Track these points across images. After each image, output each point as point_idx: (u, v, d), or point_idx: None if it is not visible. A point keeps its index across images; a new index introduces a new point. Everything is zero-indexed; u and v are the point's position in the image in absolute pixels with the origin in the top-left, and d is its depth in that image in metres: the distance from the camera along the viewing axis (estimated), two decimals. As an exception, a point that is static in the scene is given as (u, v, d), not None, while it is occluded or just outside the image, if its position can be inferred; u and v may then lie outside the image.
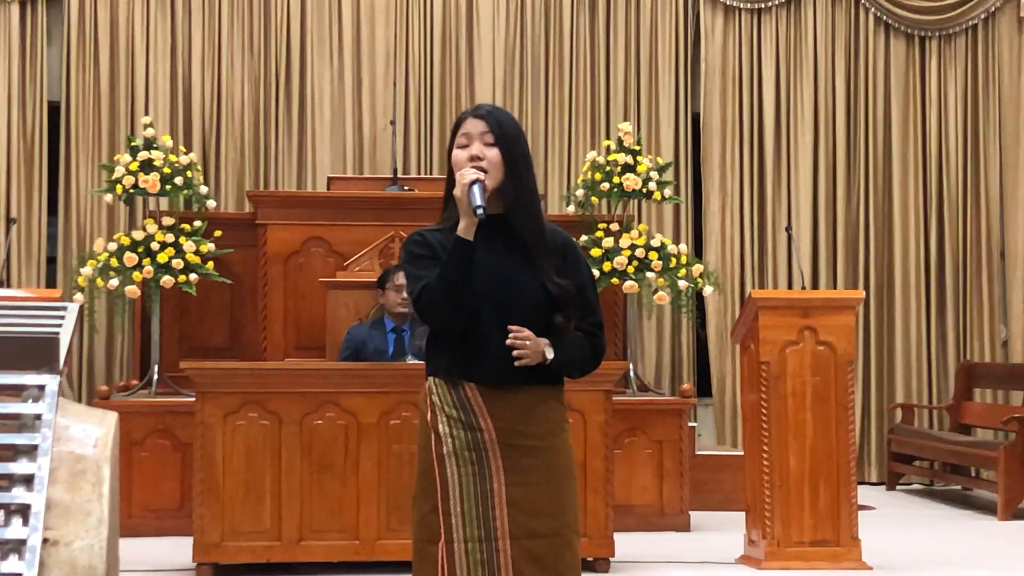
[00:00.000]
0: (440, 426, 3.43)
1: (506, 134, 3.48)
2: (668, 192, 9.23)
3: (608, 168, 9.03)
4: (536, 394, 3.46)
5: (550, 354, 3.41)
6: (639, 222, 9.81)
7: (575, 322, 3.50)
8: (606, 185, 8.96)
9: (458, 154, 3.49)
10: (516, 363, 3.37)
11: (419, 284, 3.41)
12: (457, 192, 3.39)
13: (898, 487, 10.50)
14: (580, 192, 9.16)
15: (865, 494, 9.18)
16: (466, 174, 3.39)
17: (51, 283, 10.21)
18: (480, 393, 3.42)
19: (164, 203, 9.19)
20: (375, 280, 7.89)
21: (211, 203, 8.95)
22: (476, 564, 3.37)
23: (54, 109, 10.42)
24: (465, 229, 3.36)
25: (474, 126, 3.49)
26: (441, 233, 3.50)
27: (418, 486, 3.49)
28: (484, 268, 3.39)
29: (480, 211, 3.32)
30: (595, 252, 8.78)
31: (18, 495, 2.64)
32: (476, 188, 3.35)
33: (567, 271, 3.51)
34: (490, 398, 3.42)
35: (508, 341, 3.36)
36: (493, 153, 3.45)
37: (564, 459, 3.49)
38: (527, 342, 3.37)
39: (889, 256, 11.00)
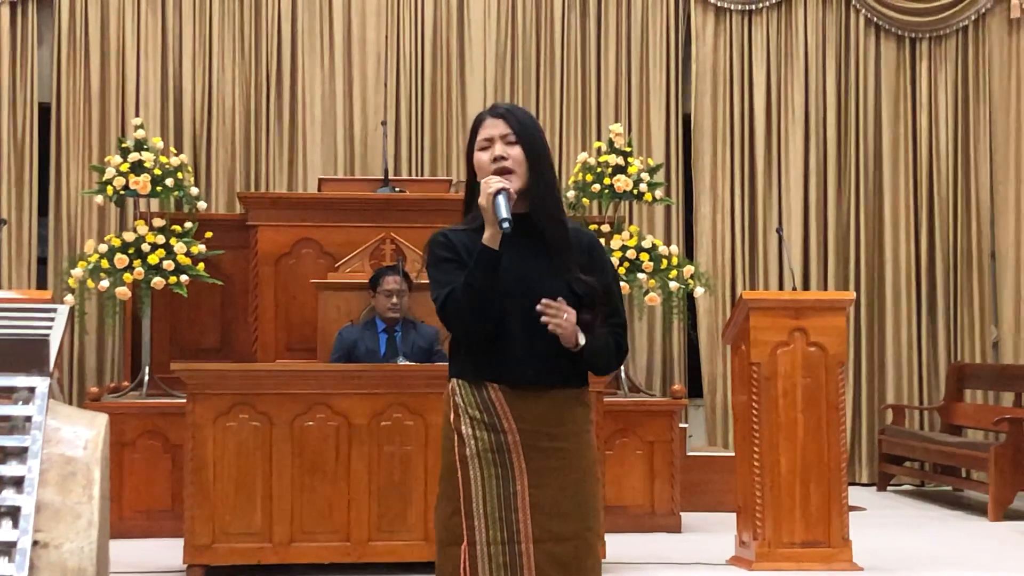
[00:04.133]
0: (463, 427, 3.42)
1: (527, 131, 3.46)
2: (659, 193, 9.23)
3: (599, 169, 9.03)
4: (560, 396, 3.43)
5: (582, 339, 3.38)
6: (630, 223, 9.83)
7: (600, 321, 3.46)
8: (597, 186, 8.96)
9: (480, 156, 3.46)
10: (550, 329, 3.32)
11: (444, 291, 3.38)
12: (482, 201, 3.34)
13: (889, 488, 10.51)
14: (571, 193, 9.16)
15: (856, 495, 9.19)
16: (491, 183, 3.34)
17: (42, 284, 10.20)
18: (504, 395, 3.39)
19: (155, 204, 9.17)
20: (366, 281, 7.88)
21: (202, 204, 8.94)
22: (499, 567, 3.35)
23: (44, 110, 10.41)
24: (491, 238, 3.33)
25: (494, 127, 3.46)
26: (466, 234, 3.46)
27: (440, 488, 3.48)
28: (509, 270, 3.35)
29: (506, 225, 3.27)
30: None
31: (8, 497, 2.64)
32: (502, 198, 3.31)
33: (592, 270, 3.48)
34: (514, 400, 3.39)
35: (538, 308, 3.32)
36: (516, 152, 3.43)
37: (587, 461, 3.47)
38: (563, 313, 3.33)
39: (880, 257, 11.02)
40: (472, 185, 3.51)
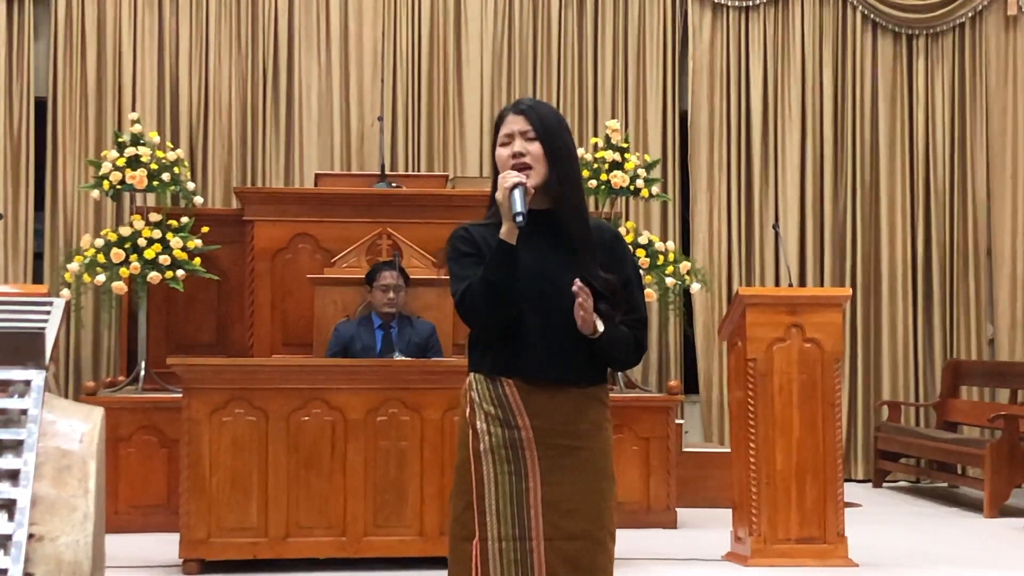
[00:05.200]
0: (478, 422, 3.41)
1: (547, 128, 3.45)
2: (656, 190, 9.23)
3: (596, 165, 9.03)
4: (576, 393, 3.43)
5: (600, 326, 3.37)
6: (627, 219, 9.82)
7: (619, 316, 3.45)
8: (594, 182, 8.96)
9: (501, 152, 3.47)
10: (576, 307, 3.30)
11: (462, 285, 3.38)
12: (499, 196, 3.35)
13: (884, 484, 10.52)
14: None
15: (851, 491, 9.20)
16: (507, 177, 3.34)
17: (38, 279, 10.18)
18: (519, 391, 3.39)
19: (151, 199, 9.17)
20: (363, 277, 7.88)
21: (198, 199, 8.94)
22: (510, 563, 3.35)
23: (41, 105, 10.40)
24: (507, 232, 3.32)
25: (515, 123, 3.46)
26: (487, 229, 3.46)
27: (455, 482, 3.48)
28: (528, 265, 3.36)
29: (520, 218, 3.27)
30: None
31: (3, 490, 2.63)
32: (517, 193, 3.31)
33: (613, 266, 3.47)
34: (529, 396, 3.39)
35: (574, 289, 3.29)
36: (535, 148, 3.43)
37: (602, 460, 3.45)
38: (589, 300, 3.31)
39: (876, 254, 11.02)
40: (496, 180, 3.51)
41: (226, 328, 9.05)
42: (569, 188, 3.47)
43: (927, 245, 11.07)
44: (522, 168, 3.41)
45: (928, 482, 10.66)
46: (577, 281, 3.31)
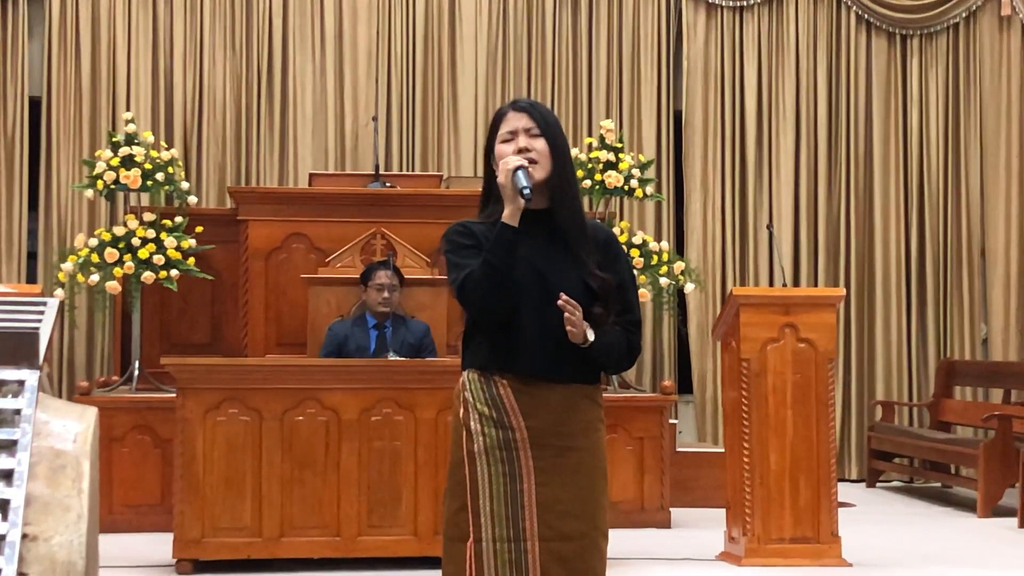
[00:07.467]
0: (472, 423, 3.40)
1: (550, 126, 3.46)
2: (650, 190, 9.23)
3: (590, 165, 9.03)
4: (569, 393, 3.42)
5: (591, 335, 3.37)
6: (621, 219, 9.84)
7: (612, 318, 3.45)
8: (588, 182, 8.96)
9: (503, 148, 3.45)
10: (565, 323, 3.31)
11: (462, 273, 3.37)
12: (501, 179, 3.35)
13: (878, 484, 10.53)
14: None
15: (845, 491, 9.20)
16: (510, 161, 3.35)
17: (32, 279, 10.18)
18: (512, 391, 3.38)
19: (145, 199, 9.16)
20: (357, 276, 7.88)
21: (192, 199, 8.92)
22: (504, 564, 3.34)
23: (35, 104, 10.39)
24: (510, 215, 3.33)
25: (518, 120, 3.46)
26: (484, 226, 3.45)
27: (448, 482, 3.47)
28: (525, 262, 3.36)
29: (527, 191, 3.29)
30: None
31: (-3, 490, 2.63)
32: (521, 172, 3.32)
33: (608, 266, 3.47)
34: (523, 396, 3.38)
35: (560, 304, 3.30)
36: (540, 144, 3.43)
37: (596, 460, 3.45)
38: (577, 312, 3.32)
39: (870, 254, 11.03)
40: (490, 181, 3.51)
41: (220, 328, 9.04)
42: (568, 187, 3.47)
43: (921, 245, 11.08)
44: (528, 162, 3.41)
45: (922, 482, 10.67)
46: (562, 295, 3.32)
